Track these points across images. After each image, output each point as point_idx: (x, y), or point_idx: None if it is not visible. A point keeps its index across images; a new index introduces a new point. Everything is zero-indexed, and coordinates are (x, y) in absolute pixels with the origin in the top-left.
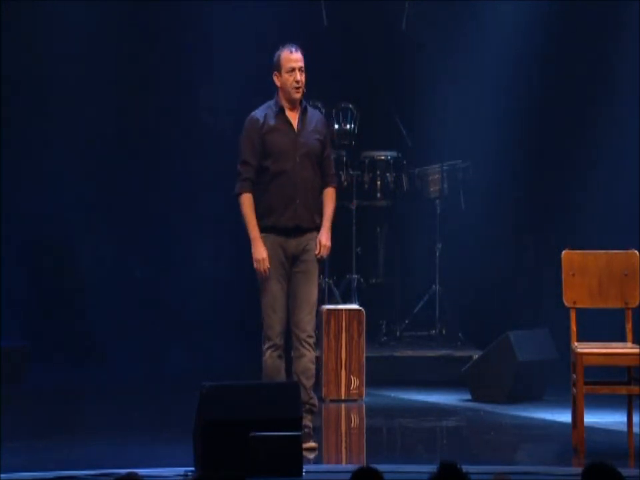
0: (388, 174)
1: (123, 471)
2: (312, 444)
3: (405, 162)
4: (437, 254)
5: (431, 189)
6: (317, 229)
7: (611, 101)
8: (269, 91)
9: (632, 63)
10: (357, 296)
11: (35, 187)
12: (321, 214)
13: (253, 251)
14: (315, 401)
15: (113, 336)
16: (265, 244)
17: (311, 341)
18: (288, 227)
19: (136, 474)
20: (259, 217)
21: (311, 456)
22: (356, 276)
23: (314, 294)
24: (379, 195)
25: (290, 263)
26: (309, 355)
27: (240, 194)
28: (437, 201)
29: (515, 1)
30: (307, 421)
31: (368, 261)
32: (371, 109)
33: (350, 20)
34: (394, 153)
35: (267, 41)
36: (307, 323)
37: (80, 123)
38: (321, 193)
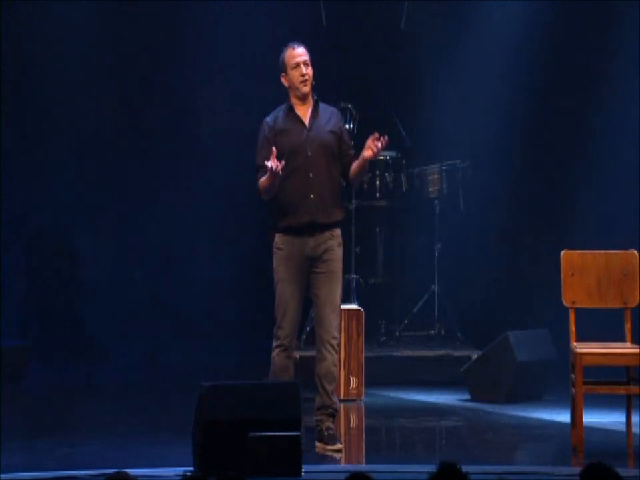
0: (387, 174)
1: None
2: (339, 445)
3: (404, 162)
4: (436, 254)
5: (430, 189)
6: (336, 225)
7: (611, 101)
8: (269, 90)
9: (632, 62)
10: (356, 296)
11: (34, 187)
12: (338, 209)
13: (264, 177)
14: (337, 405)
15: (112, 336)
16: (283, 244)
17: (335, 342)
18: (303, 223)
19: (125, 473)
20: (276, 217)
21: (338, 456)
22: (355, 276)
23: (337, 295)
24: (378, 194)
25: (308, 265)
26: (331, 358)
27: (259, 191)
28: (436, 201)
29: (515, 1)
30: (329, 423)
31: (367, 261)
32: (370, 109)
33: (349, 20)
34: (393, 153)
35: (266, 41)
36: (330, 323)
37: (80, 122)
38: (339, 187)
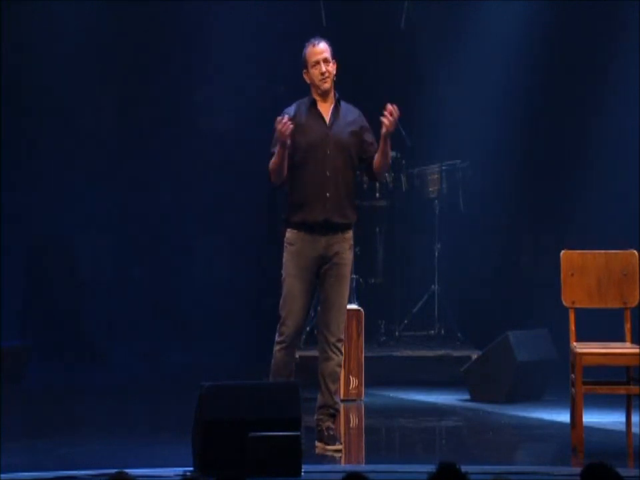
0: (387, 174)
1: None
2: (339, 446)
3: (404, 162)
4: (436, 254)
5: (430, 189)
6: (349, 227)
7: (611, 101)
8: (268, 90)
9: (632, 62)
10: (356, 296)
11: (35, 187)
12: (352, 209)
13: (276, 138)
14: (339, 405)
15: (112, 336)
16: (294, 240)
17: (340, 345)
18: (318, 221)
19: (125, 473)
20: (290, 213)
21: (338, 456)
22: (355, 276)
23: (345, 297)
24: (377, 194)
25: (319, 264)
26: (337, 359)
27: (269, 174)
28: (436, 201)
29: (515, 1)
30: (330, 423)
31: (367, 261)
32: (370, 109)
33: (349, 20)
34: (393, 153)
35: (265, 41)
36: (337, 326)
37: (79, 122)
38: (354, 189)
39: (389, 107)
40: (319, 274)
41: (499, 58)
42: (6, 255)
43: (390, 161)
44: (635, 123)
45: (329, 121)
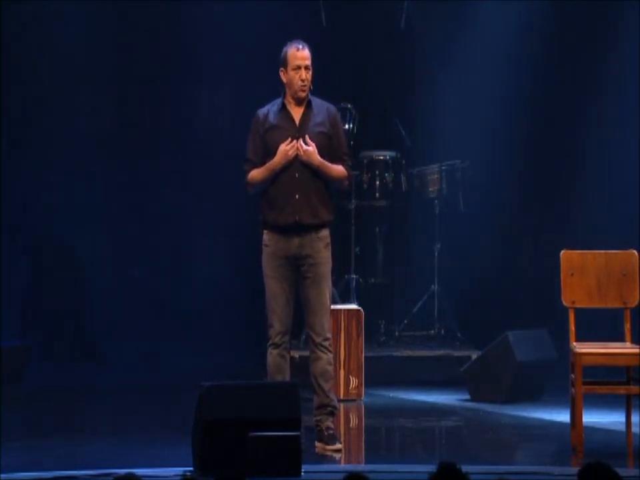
0: (387, 174)
1: (123, 471)
2: (338, 445)
3: (403, 162)
4: (436, 254)
5: (430, 189)
6: (323, 226)
7: (611, 101)
8: (269, 90)
9: (633, 62)
10: (356, 296)
11: (34, 187)
12: (326, 209)
13: (279, 160)
14: (335, 402)
15: (112, 336)
16: (269, 241)
17: (327, 343)
18: (288, 223)
19: (135, 475)
20: (263, 215)
21: (337, 456)
22: (355, 276)
23: (325, 296)
24: (377, 194)
25: (293, 264)
26: (326, 357)
27: (247, 183)
28: (436, 201)
29: (515, 1)
30: (329, 422)
31: (367, 261)
32: (370, 108)
33: (349, 20)
34: (393, 153)
35: (265, 41)
36: (321, 326)
37: (80, 123)
38: (327, 188)
39: (295, 143)
40: (298, 276)
41: (498, 58)
42: (6, 254)
43: (335, 179)
44: (634, 123)
45: (299, 122)
